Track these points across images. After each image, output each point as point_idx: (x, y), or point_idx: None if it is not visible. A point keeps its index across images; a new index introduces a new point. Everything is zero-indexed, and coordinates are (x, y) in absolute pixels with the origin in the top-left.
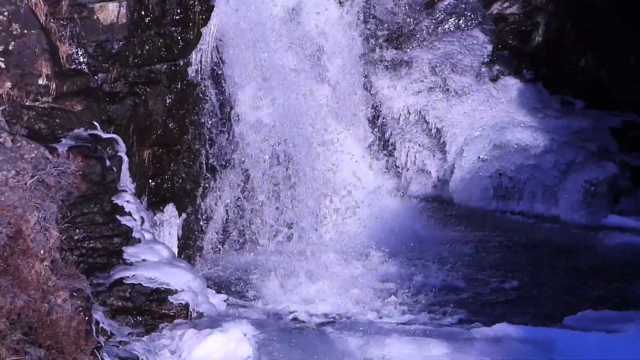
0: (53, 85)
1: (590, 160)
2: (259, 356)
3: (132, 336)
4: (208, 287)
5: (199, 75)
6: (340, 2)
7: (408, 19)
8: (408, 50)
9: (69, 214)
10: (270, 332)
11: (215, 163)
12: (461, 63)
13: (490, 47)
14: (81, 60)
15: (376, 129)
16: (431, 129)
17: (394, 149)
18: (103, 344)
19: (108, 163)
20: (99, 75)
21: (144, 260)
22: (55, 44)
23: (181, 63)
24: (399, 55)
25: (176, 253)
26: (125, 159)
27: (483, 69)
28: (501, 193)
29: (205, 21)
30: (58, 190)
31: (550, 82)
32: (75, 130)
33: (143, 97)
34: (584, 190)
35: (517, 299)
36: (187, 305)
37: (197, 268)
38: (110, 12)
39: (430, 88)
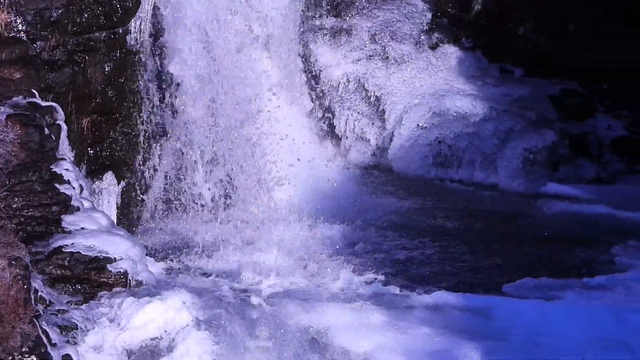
0: None
1: (529, 128)
2: (198, 324)
3: (71, 304)
4: (147, 255)
5: (138, 43)
6: None
7: None
8: (347, 18)
9: (7, 182)
10: (209, 300)
11: (154, 131)
12: (400, 31)
13: (429, 15)
14: (20, 28)
15: (315, 97)
16: (370, 97)
17: (334, 116)
18: (42, 313)
19: (47, 131)
20: (38, 43)
21: (82, 228)
22: None
23: (120, 31)
24: (339, 23)
25: (115, 221)
26: (64, 127)
27: (422, 37)
28: (440, 161)
29: None
30: None
31: (490, 50)
32: (14, 98)
33: (82, 65)
34: (522, 158)
35: (456, 267)
36: (125, 274)
37: (136, 236)
38: None
39: (370, 56)
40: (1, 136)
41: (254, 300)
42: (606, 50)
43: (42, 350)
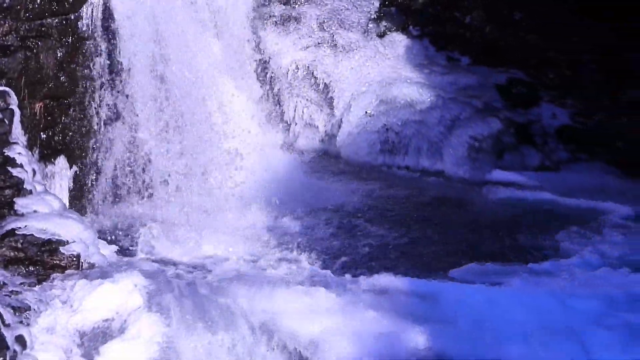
0: None
1: (475, 116)
2: (150, 306)
3: (24, 286)
4: (99, 238)
5: (90, 29)
6: None
7: None
8: (296, 6)
9: None
10: (160, 283)
11: (106, 117)
12: (349, 19)
13: (377, 4)
14: None
15: (265, 84)
16: (319, 84)
17: (282, 103)
18: None
19: (0, 115)
20: None
21: (35, 211)
22: None
23: (72, 17)
24: (288, 10)
25: (67, 204)
26: (17, 111)
27: (370, 25)
28: (387, 148)
29: None
30: None
31: (437, 39)
32: None
33: (34, 51)
34: (468, 145)
35: (403, 252)
36: (78, 256)
37: (88, 219)
38: None
39: (318, 43)
40: None
41: (205, 284)
42: (553, 39)
43: None
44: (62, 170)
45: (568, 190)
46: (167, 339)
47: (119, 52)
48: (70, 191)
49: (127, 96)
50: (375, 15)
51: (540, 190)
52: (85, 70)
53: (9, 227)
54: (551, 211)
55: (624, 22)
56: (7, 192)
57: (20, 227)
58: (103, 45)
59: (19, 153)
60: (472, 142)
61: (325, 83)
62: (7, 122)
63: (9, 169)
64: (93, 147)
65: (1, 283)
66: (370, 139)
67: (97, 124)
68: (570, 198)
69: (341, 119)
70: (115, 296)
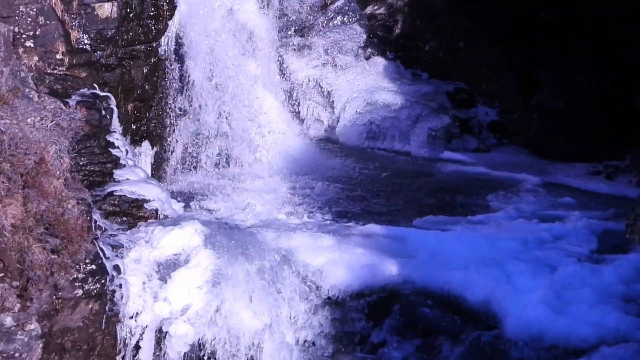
0: (66, 59)
1: (432, 114)
2: (206, 244)
3: (119, 231)
4: (171, 198)
5: (166, 53)
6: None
7: (309, 16)
8: (309, 37)
9: (76, 147)
10: (213, 229)
11: (177, 113)
12: (345, 47)
13: (365, 36)
14: (85, 42)
15: (287, 92)
16: (324, 92)
17: (299, 105)
18: (99, 236)
19: (103, 113)
20: (98, 52)
21: (127, 179)
22: (68, 31)
23: (154, 44)
24: (303, 41)
25: (150, 174)
26: (115, 110)
27: (360, 51)
28: (371, 135)
29: (171, 15)
30: (69, 131)
31: (405, 60)
32: (81, 90)
33: (128, 68)
34: (427, 134)
35: (381, 208)
36: (157, 210)
37: (164, 185)
38: (106, 9)
39: (324, 64)
40: (72, 116)
41: (244, 229)
42: (484, 61)
43: (99, 261)
44: (146, 151)
45: (496, 165)
46: (218, 267)
47: (186, 69)
48: (151, 165)
49: (191, 98)
50: (363, 44)
51: (476, 166)
52: (163, 81)
53: (109, 190)
54: (484, 180)
55: (531, 47)
56: (109, 165)
57: (117, 190)
58: (175, 65)
59: (117, 139)
60: (430, 132)
61: (328, 91)
62: (108, 117)
63: (110, 149)
64: (168, 135)
65: (103, 229)
66: (359, 129)
67: (171, 118)
68: (497, 171)
69: (339, 116)
70: (182, 237)
